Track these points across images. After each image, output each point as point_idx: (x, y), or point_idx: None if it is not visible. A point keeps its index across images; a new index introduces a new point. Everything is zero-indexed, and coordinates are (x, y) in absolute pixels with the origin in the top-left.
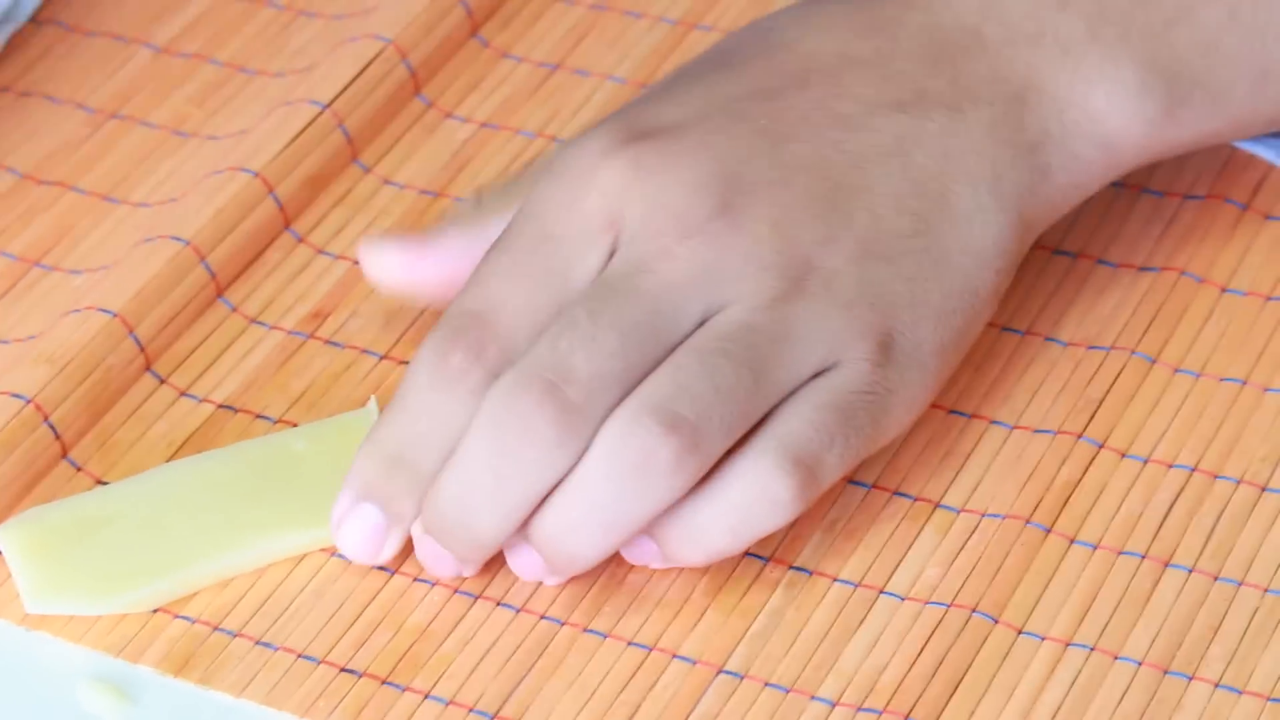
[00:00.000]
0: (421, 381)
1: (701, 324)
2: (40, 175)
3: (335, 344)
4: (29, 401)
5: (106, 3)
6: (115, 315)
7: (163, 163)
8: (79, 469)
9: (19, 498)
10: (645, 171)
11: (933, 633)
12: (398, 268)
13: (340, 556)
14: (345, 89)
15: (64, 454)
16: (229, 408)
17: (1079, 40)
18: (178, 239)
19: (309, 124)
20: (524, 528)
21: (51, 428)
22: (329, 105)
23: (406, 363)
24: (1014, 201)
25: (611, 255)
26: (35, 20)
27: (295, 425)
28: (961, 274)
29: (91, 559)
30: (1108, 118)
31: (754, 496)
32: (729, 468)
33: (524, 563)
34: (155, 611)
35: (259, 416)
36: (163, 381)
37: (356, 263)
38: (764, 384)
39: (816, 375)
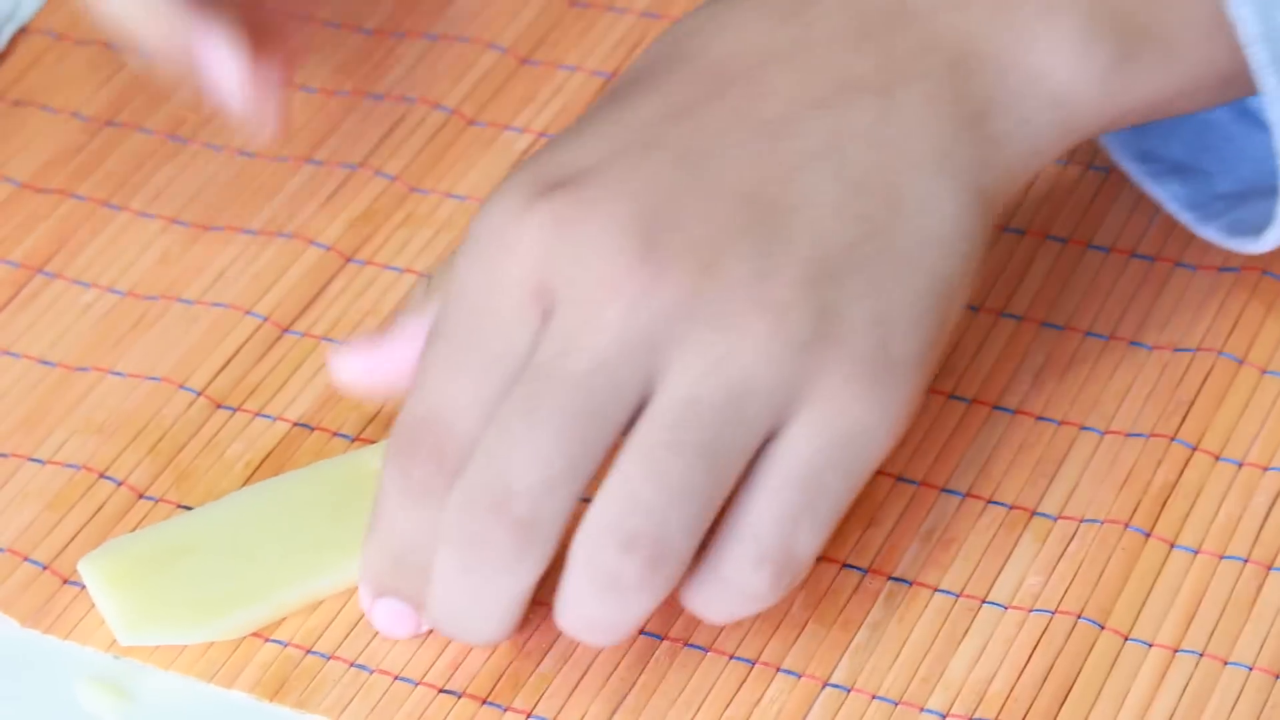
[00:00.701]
0: (395, 496)
1: (644, 389)
2: (38, 183)
3: None
4: (80, 469)
5: None
6: (160, 380)
7: (161, 168)
8: (157, 501)
9: (99, 537)
10: (563, 227)
11: (1039, 641)
12: (362, 372)
13: None
14: (376, 148)
15: (140, 495)
16: (305, 426)
17: None
18: (218, 304)
19: (343, 184)
20: None
21: (112, 479)
22: (360, 165)
23: None
24: (967, 179)
25: (546, 317)
26: (24, 29)
27: (373, 443)
28: (925, 270)
29: (180, 587)
30: (1053, 74)
31: (733, 593)
32: (705, 559)
33: None
34: (246, 636)
35: (336, 434)
36: (235, 409)
37: (422, 275)
38: (722, 464)
39: (782, 425)
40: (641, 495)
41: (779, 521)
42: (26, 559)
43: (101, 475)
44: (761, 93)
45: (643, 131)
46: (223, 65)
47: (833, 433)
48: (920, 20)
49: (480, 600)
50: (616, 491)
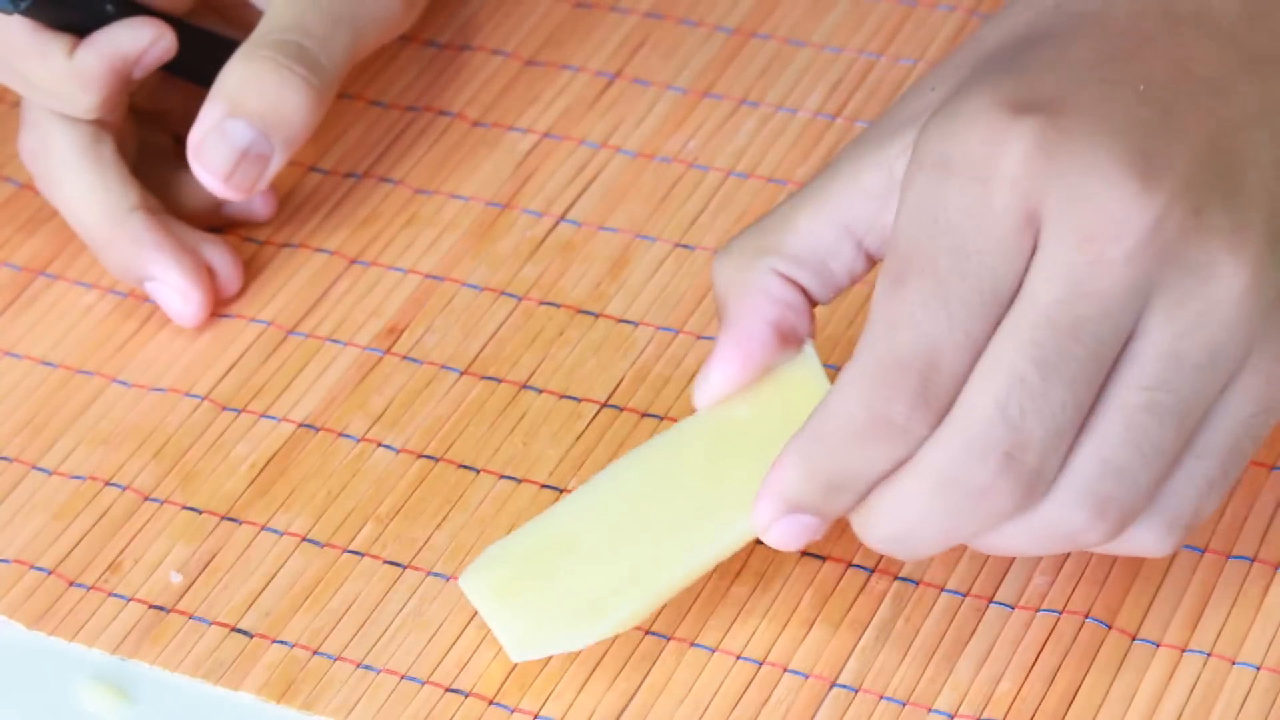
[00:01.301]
0: (856, 429)
1: (1134, 327)
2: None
3: (413, 360)
4: (85, 479)
5: None
6: (165, 391)
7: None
8: (163, 503)
9: (105, 541)
10: (1052, 153)
11: (1046, 641)
12: (729, 379)
13: (441, 579)
14: (382, 154)
15: (145, 497)
16: (310, 426)
17: None
18: (225, 315)
19: (348, 191)
20: None
21: (118, 485)
22: (364, 174)
23: (491, 378)
24: None
25: (1033, 247)
26: None
27: (380, 445)
28: None
29: (568, 590)
30: None
31: (1124, 550)
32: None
33: None
34: (252, 637)
35: (341, 435)
36: (240, 411)
37: (427, 276)
38: (1189, 423)
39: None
40: (1118, 460)
41: (1197, 495)
42: (33, 566)
43: (107, 483)
44: (1188, 52)
45: (1093, 70)
46: (169, 302)
47: (1268, 402)
48: None
49: (952, 535)
50: (1094, 456)
